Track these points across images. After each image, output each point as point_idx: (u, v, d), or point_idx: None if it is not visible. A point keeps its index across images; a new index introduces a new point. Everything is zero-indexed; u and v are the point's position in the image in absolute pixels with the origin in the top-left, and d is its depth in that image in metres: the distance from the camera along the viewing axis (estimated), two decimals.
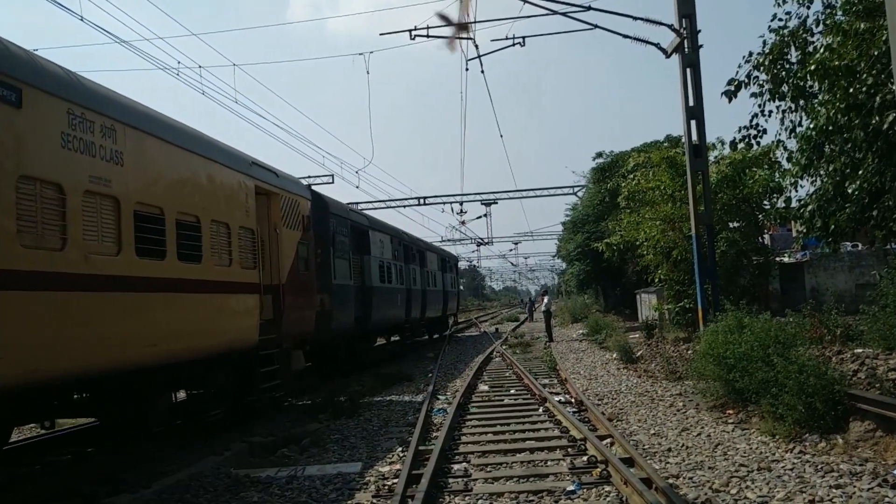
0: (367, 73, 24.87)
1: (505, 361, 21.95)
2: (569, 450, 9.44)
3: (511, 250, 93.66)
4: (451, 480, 8.19)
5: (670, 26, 16.13)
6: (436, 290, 30.75)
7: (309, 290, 13.63)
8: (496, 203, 49.32)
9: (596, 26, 16.74)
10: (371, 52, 27.62)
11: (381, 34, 20.63)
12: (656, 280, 21.98)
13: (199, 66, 21.69)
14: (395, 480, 8.36)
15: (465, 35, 17.02)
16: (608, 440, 9.74)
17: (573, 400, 13.64)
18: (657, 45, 16.52)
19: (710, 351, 11.76)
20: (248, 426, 11.80)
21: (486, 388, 16.17)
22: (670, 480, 7.72)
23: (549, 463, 8.90)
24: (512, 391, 15.41)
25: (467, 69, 23.09)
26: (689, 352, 16.39)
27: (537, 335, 33.38)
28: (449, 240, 64.68)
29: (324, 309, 15.12)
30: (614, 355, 20.69)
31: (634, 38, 16.53)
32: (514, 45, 18.38)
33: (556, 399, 13.30)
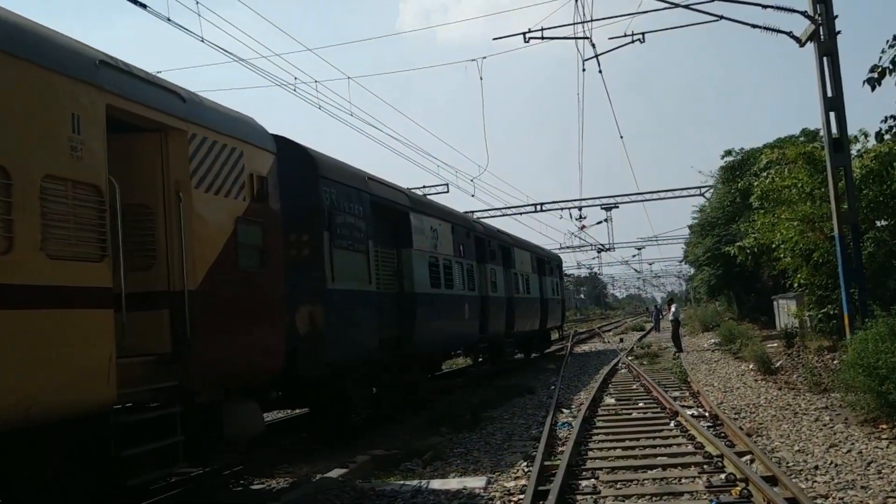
0: (481, 78, 24.66)
1: (631, 373, 21.13)
2: (704, 467, 9.04)
3: (634, 256, 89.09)
4: (578, 497, 8.06)
5: (804, 13, 15.22)
6: (529, 299, 24.86)
7: (266, 298, 8.57)
8: (617, 207, 47.55)
9: (721, 17, 16.00)
10: (484, 58, 26.71)
11: (494, 39, 20.05)
12: (795, 285, 21.09)
13: (315, 81, 20.48)
14: (521, 496, 8.22)
15: (581, 35, 18.05)
16: (748, 457, 9.30)
17: (707, 413, 13.07)
18: (789, 34, 15.61)
19: (860, 361, 11.19)
20: (372, 437, 11.86)
21: (612, 400, 15.58)
22: (818, 501, 7.50)
23: (683, 480, 8.60)
24: (640, 404, 14.83)
25: (584, 69, 20.86)
26: (835, 362, 15.83)
27: (665, 345, 31.74)
28: (568, 247, 62.64)
29: (312, 328, 10.03)
30: (751, 366, 19.79)
31: (764, 28, 15.67)
32: (633, 41, 17.73)
33: (689, 413, 12.76)
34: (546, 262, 29.02)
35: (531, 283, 25.37)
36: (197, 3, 13.32)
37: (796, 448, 10.01)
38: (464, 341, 17.43)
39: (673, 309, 30.81)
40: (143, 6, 11.54)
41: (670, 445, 10.55)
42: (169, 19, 12.49)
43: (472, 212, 40.72)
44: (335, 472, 9.38)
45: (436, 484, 9.02)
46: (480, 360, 19.60)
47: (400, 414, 13.95)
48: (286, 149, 10.38)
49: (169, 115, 7.35)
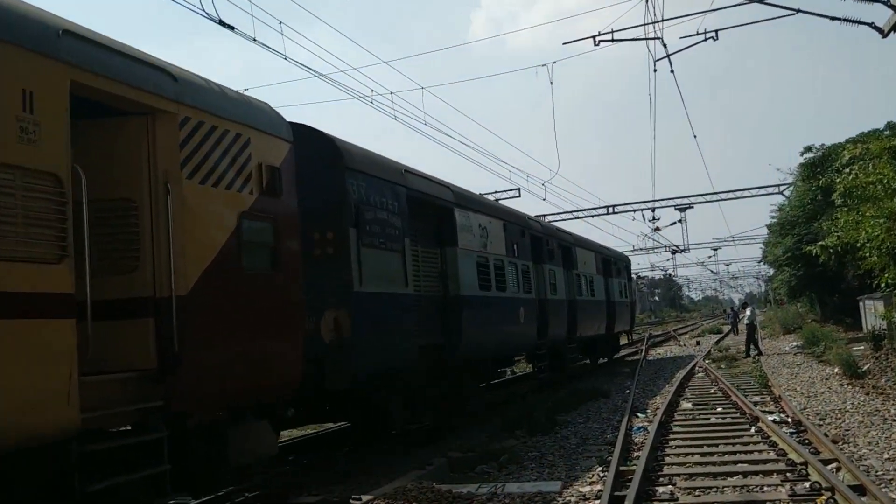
0: (551, 83, 23.07)
1: (709, 377, 20.63)
2: (787, 474, 8.70)
3: (710, 257, 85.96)
4: None
5: (887, 2, 14.15)
6: (593, 301, 23.31)
7: (280, 303, 7.62)
8: (691, 207, 45.90)
9: (798, 10, 15.41)
10: (554, 62, 27.71)
11: (563, 43, 20.49)
12: (882, 285, 19.77)
13: (391, 93, 19.88)
14: (597, 502, 8.15)
15: (652, 35, 16.78)
16: (833, 465, 8.98)
17: (790, 419, 12.68)
18: (871, 25, 14.61)
19: None
20: (447, 440, 12.01)
21: (689, 405, 15.21)
22: None
23: (765, 489, 8.33)
24: (718, 409, 14.46)
25: (655, 70, 19.79)
26: None
27: (744, 348, 29.64)
28: (641, 249, 61.16)
29: (338, 336, 9.00)
30: (836, 370, 19.18)
31: (844, 20, 14.73)
32: (705, 39, 17.08)
33: (770, 418, 12.37)
34: (612, 263, 27.40)
35: (595, 285, 23.86)
36: (280, 23, 14.02)
37: (886, 456, 9.67)
38: (519, 348, 16.14)
39: (748, 312, 29.56)
40: (231, 28, 11.81)
41: (751, 452, 10.25)
42: (255, 39, 12.94)
43: (544, 215, 40.24)
44: (413, 475, 9.51)
45: (512, 487, 9.03)
46: (539, 367, 18.25)
47: (450, 425, 12.90)
48: (307, 138, 9.42)
49: (155, 96, 6.42)
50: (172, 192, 6.42)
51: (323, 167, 9.42)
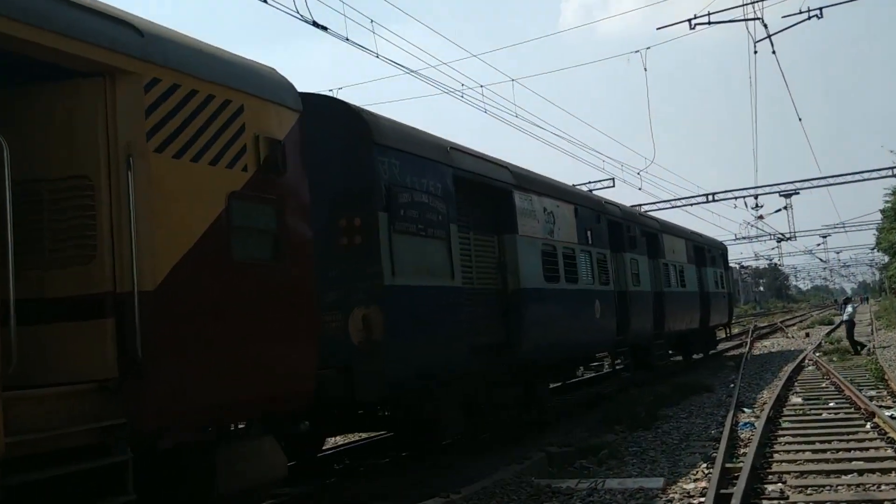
0: (645, 69, 22.63)
1: (820, 370, 19.81)
2: None
3: (819, 245, 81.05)
4: (765, 502, 7.70)
5: None
6: (684, 293, 21.23)
7: (284, 299, 6.46)
8: (797, 193, 45.16)
9: None
10: (647, 48, 25.37)
11: (658, 28, 19.59)
12: None
13: (481, 86, 19.57)
14: (702, 499, 7.89)
15: (751, 16, 16.64)
16: None
17: None
18: None
19: None
20: (545, 434, 11.88)
21: (798, 400, 14.70)
22: None
23: (882, 487, 7.88)
24: (831, 404, 13.86)
25: (756, 51, 18.72)
26: None
27: (857, 339, 27.69)
28: (744, 237, 59.05)
29: (368, 337, 7.80)
30: None
31: None
32: (808, 18, 16.94)
33: (887, 413, 11.72)
34: (706, 251, 25.18)
35: (687, 275, 21.82)
36: (372, 21, 14.16)
37: None
38: (595, 345, 14.50)
39: (849, 309, 27.37)
40: (324, 28, 12.04)
41: (867, 449, 9.88)
42: (347, 39, 13.19)
43: (640, 205, 38.87)
44: (512, 469, 9.42)
45: (612, 483, 8.86)
46: (618, 365, 16.57)
47: (518, 433, 11.56)
48: (329, 110, 8.29)
49: (114, 53, 5.36)
50: (136, 168, 5.34)
51: (348, 143, 8.24)
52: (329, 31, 12.21)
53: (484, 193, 10.80)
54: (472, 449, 10.54)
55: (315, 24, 11.58)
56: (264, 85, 6.68)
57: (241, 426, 6.73)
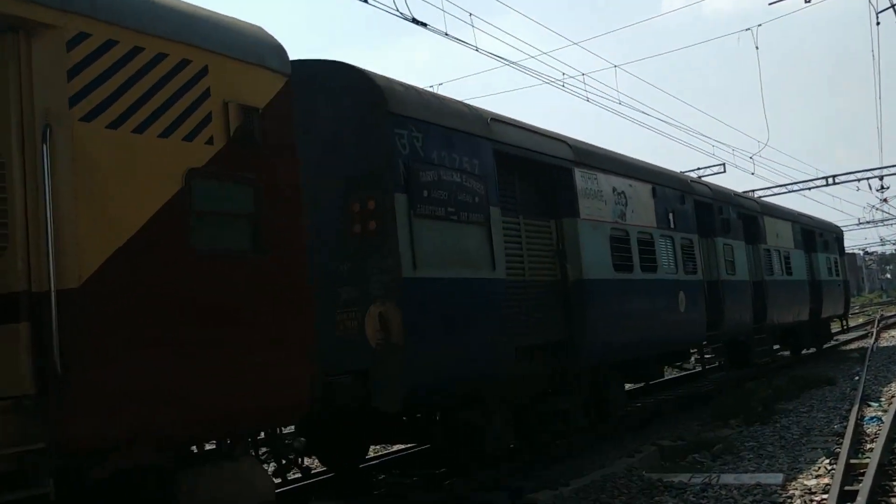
0: (756, 48, 22.29)
1: None
2: None
3: None
4: (893, 501, 7.31)
5: None
6: (791, 282, 18.85)
7: (267, 296, 5.47)
8: None
9: None
10: (759, 26, 24.18)
11: (770, 3, 18.55)
12: None
13: (582, 74, 19.92)
14: (825, 496, 7.55)
15: None
16: None
17: None
18: None
19: None
20: (656, 428, 11.89)
21: None
22: None
23: None
24: None
25: (878, 23, 17.23)
26: None
27: None
28: (868, 222, 57.66)
29: (386, 339, 6.70)
30: None
31: None
32: None
33: None
34: (817, 235, 22.71)
35: (794, 262, 19.59)
36: (471, 15, 14.31)
37: None
38: (681, 341, 12.85)
39: None
40: (424, 25, 12.22)
41: None
42: (447, 34, 13.42)
43: (752, 190, 37.06)
44: (622, 462, 9.33)
45: (728, 478, 8.64)
46: (709, 362, 14.78)
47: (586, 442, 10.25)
48: (337, 77, 7.25)
49: (27, 3, 4.46)
50: (54, 141, 4.41)
51: (359, 114, 7.14)
52: (428, 27, 12.44)
53: (537, 172, 9.48)
54: (530, 460, 9.34)
55: (415, 20, 11.91)
56: (237, 43, 5.66)
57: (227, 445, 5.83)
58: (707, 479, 8.48)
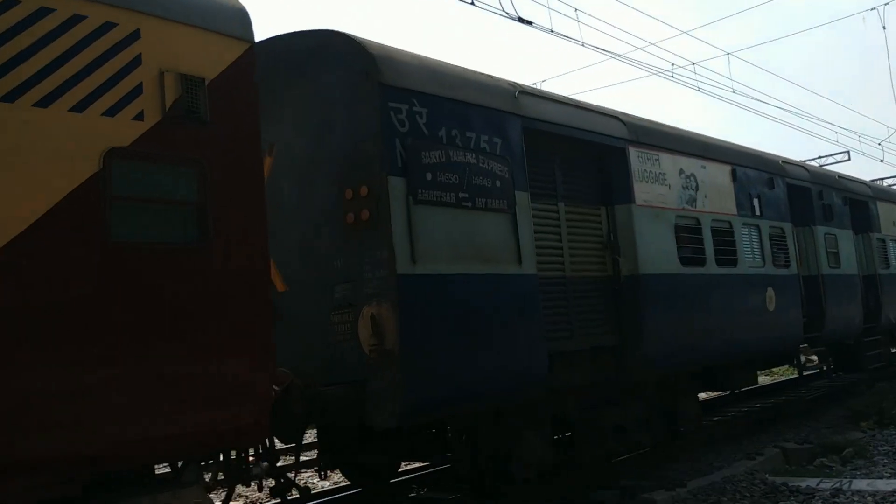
0: (883, 27, 22.22)
1: None
2: None
3: None
4: None
5: None
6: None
7: (208, 301, 4.69)
8: None
9: None
10: (886, 4, 22.94)
11: None
12: None
13: (693, 63, 18.78)
14: None
15: None
16: None
17: None
18: None
19: None
20: (778, 430, 11.64)
21: None
22: None
23: None
24: None
25: None
26: None
27: None
28: None
29: (379, 346, 5.86)
30: None
31: None
32: None
33: None
34: None
35: None
36: (576, 10, 15.68)
37: None
38: (770, 344, 11.33)
39: None
40: (529, 23, 12.33)
41: None
42: (552, 31, 13.55)
43: (881, 179, 33.60)
44: (741, 465, 9.16)
45: (860, 484, 8.21)
46: (810, 367, 13.14)
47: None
48: (326, 46, 6.47)
49: None
50: None
51: (349, 87, 6.31)
52: (534, 24, 12.51)
53: (583, 152, 8.38)
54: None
55: (520, 19, 12.00)
56: (182, 4, 4.95)
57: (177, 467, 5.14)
58: (838, 485, 7.99)
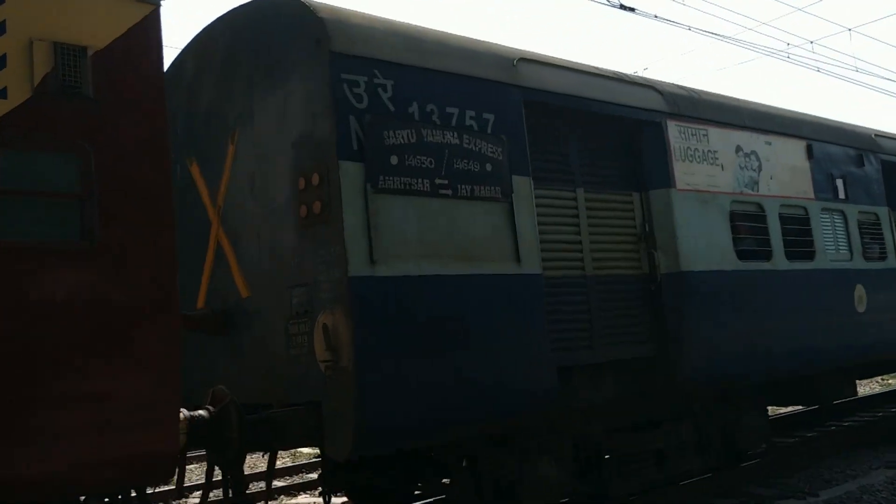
0: None
1: None
2: None
3: None
4: None
5: None
6: None
7: (107, 304, 3.96)
8: None
9: None
10: None
11: None
12: None
13: (810, 42, 18.77)
14: None
15: None
16: None
17: None
18: None
19: None
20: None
21: None
22: None
23: None
24: None
25: None
26: None
27: None
28: None
29: (335, 362, 5.03)
30: None
31: None
32: None
33: None
34: None
35: None
36: None
37: None
38: (859, 352, 9.76)
39: None
40: (632, 10, 12.47)
41: None
42: (656, 16, 13.77)
43: None
44: (879, 474, 8.86)
45: None
46: None
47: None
48: (275, 8, 5.77)
49: None
50: None
51: (297, 57, 5.53)
52: (637, 11, 12.52)
53: (607, 129, 7.28)
54: None
55: (622, 6, 12.06)
56: None
57: None
58: None
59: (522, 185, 6.18)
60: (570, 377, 6.51)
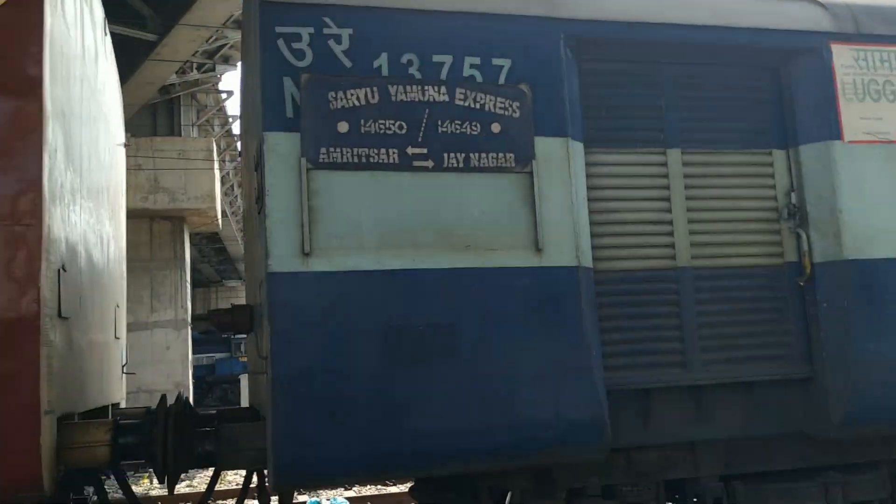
0: None
1: None
2: None
3: None
4: None
5: None
6: None
7: None
8: None
9: None
10: None
11: None
12: None
13: None
14: None
15: None
16: None
17: None
18: None
19: None
20: None
21: None
22: None
23: None
24: None
25: None
26: None
27: None
28: None
29: (255, 389, 4.05)
30: None
31: None
32: None
33: None
34: None
35: None
36: None
37: None
38: None
39: None
40: None
41: None
42: None
43: None
44: None
45: None
46: None
47: None
48: None
49: None
50: None
51: (248, 14, 4.82)
52: None
53: (728, 63, 5.41)
54: None
55: None
56: None
57: None
58: None
59: (556, 149, 4.79)
60: (648, 404, 4.99)
